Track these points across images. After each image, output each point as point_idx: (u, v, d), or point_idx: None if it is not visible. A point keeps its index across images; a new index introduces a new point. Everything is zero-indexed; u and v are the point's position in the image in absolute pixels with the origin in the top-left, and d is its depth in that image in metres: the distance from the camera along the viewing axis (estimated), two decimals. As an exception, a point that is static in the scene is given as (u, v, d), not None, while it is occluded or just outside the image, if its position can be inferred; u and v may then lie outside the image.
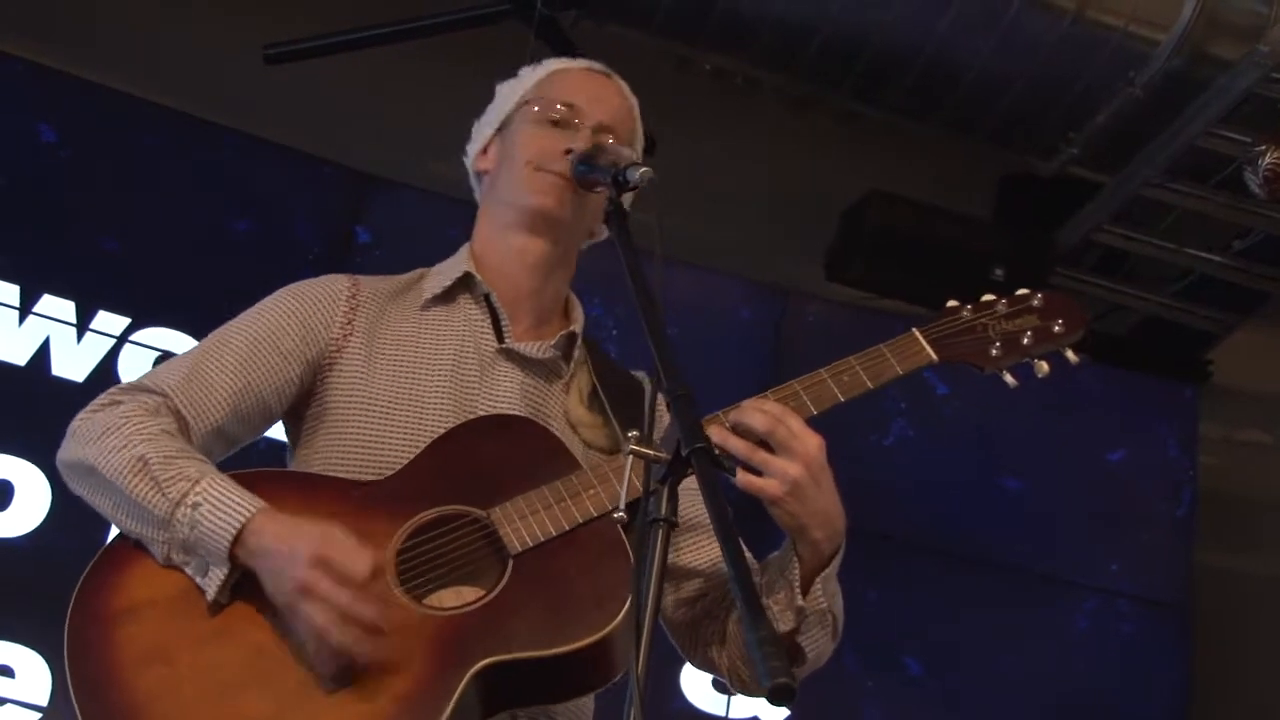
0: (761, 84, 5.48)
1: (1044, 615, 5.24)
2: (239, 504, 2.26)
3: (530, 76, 2.70)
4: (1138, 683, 5.21)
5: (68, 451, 2.41)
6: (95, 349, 4.63)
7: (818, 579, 2.33)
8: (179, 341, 4.64)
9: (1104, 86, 5.13)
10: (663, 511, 1.94)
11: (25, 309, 4.60)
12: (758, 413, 2.30)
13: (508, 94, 2.70)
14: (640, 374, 2.64)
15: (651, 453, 1.99)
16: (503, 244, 2.60)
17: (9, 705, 4.30)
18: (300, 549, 2.20)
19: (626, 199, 2.38)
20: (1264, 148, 5.04)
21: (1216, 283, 5.64)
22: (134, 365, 4.61)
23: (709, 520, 2.46)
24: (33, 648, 4.33)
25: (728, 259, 5.38)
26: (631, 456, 2.00)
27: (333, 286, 2.58)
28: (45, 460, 4.43)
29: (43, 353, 4.59)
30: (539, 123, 2.60)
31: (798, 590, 2.32)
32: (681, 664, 4.65)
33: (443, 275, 2.62)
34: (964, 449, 5.27)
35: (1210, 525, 5.44)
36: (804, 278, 5.60)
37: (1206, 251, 5.58)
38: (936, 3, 4.99)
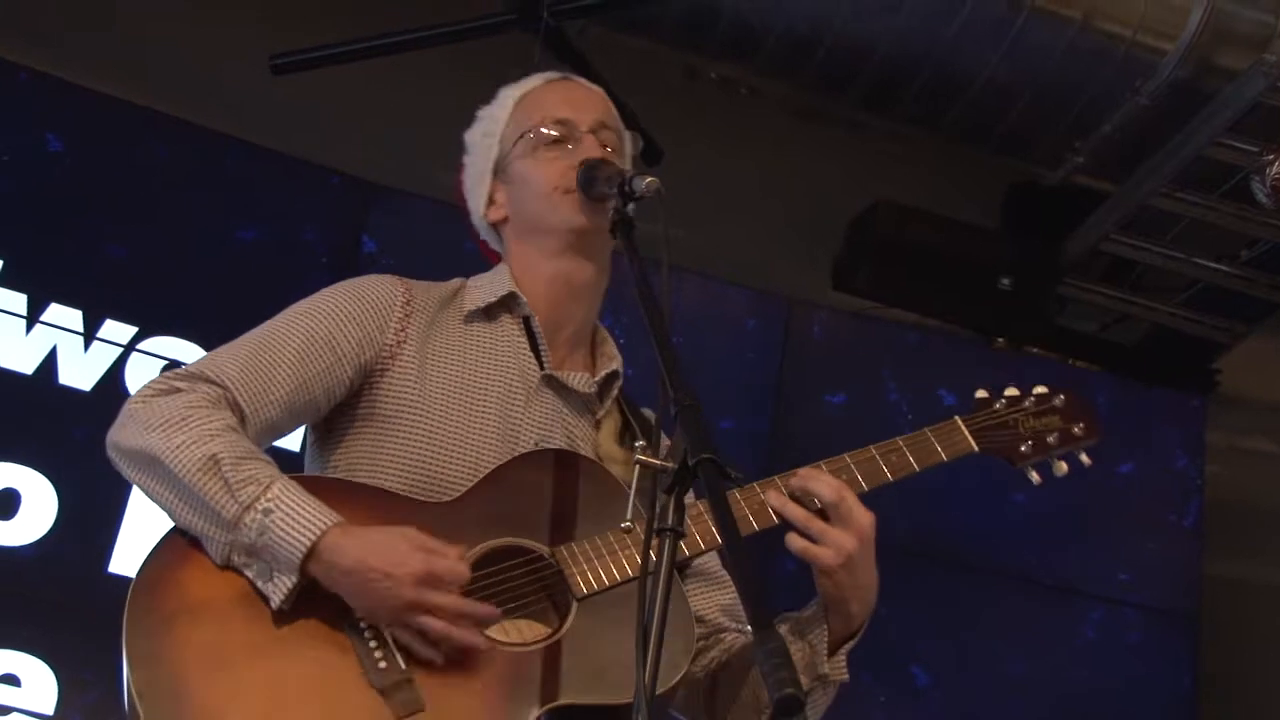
0: (768, 94, 5.47)
1: (1052, 625, 5.23)
2: (314, 516, 2.25)
3: (499, 114, 2.68)
4: (1145, 692, 5.20)
5: (127, 437, 2.36)
6: (102, 358, 4.63)
7: (842, 650, 2.39)
8: (186, 350, 4.64)
9: (1111, 96, 5.13)
10: (669, 522, 1.94)
11: (32, 318, 4.60)
12: (823, 484, 2.36)
13: (483, 140, 2.68)
14: (648, 411, 2.65)
15: (657, 462, 1.99)
16: (548, 270, 2.59)
17: (15, 714, 4.30)
18: (398, 569, 2.21)
19: (632, 209, 2.38)
20: (1271, 157, 5.03)
21: (1224, 292, 5.63)
22: (141, 374, 4.60)
23: (713, 568, 2.55)
24: (39, 656, 4.33)
25: (734, 268, 5.37)
26: (636, 468, 2.01)
27: (389, 290, 2.56)
28: (52, 469, 4.44)
29: (50, 361, 4.59)
30: (539, 149, 2.60)
31: (824, 656, 2.37)
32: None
33: (484, 290, 2.61)
34: (972, 459, 5.26)
35: (1217, 534, 5.43)
36: (810, 287, 5.60)
37: (1214, 261, 5.57)
38: (943, 13, 4.98)
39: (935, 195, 5.61)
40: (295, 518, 2.24)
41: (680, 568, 2.39)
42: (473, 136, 2.71)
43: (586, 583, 2.32)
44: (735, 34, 5.17)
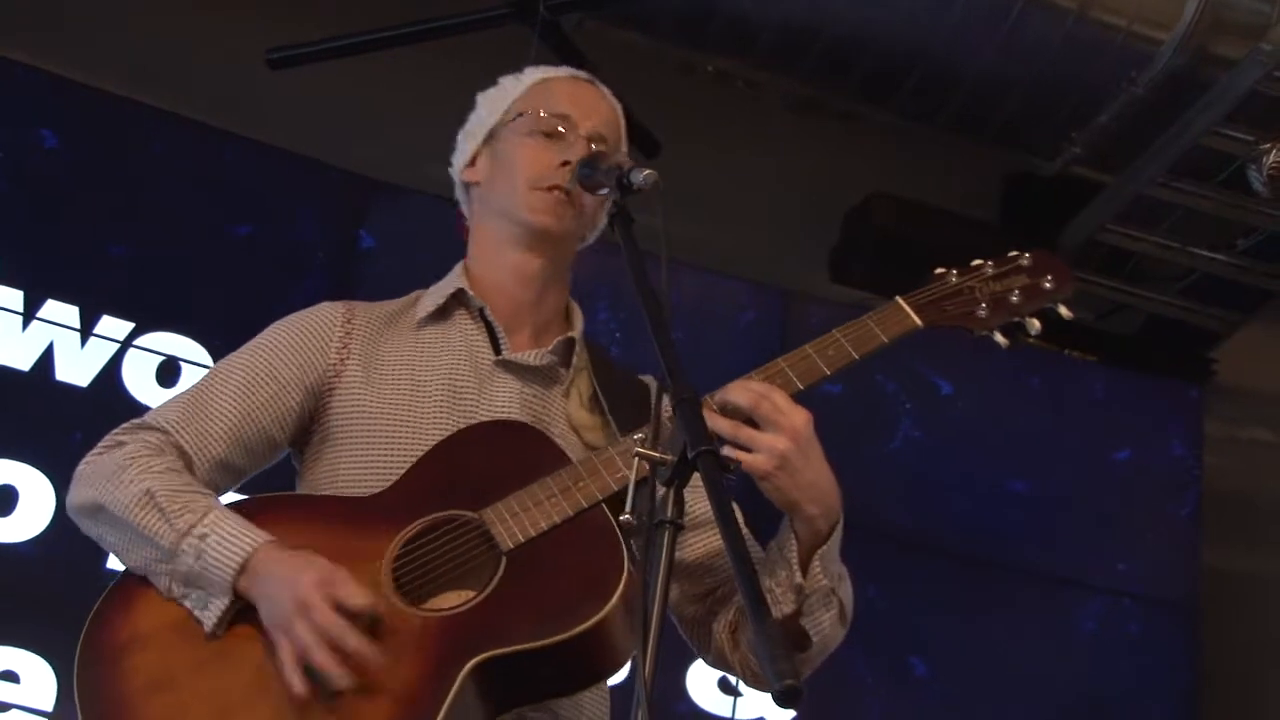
0: (764, 86, 5.48)
1: (1050, 616, 5.23)
2: (244, 535, 2.30)
3: (514, 87, 2.69)
4: (1145, 683, 5.20)
5: (75, 495, 2.45)
6: (99, 354, 4.62)
7: (815, 557, 2.33)
8: (183, 346, 4.63)
9: (1107, 86, 5.13)
10: (669, 514, 1.94)
11: (29, 314, 4.60)
12: (742, 390, 2.31)
13: (491, 104, 2.69)
14: (647, 378, 2.64)
15: (656, 455, 1.99)
16: (499, 259, 2.60)
17: (14, 711, 4.30)
18: (304, 573, 2.24)
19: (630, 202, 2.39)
20: (1267, 146, 5.04)
21: (1221, 282, 5.63)
22: (138, 370, 4.61)
23: (711, 515, 2.51)
24: (37, 653, 4.33)
25: (731, 261, 5.37)
26: (636, 459, 2.00)
27: (327, 314, 2.60)
28: (50, 466, 4.43)
29: (46, 358, 4.58)
30: (531, 135, 2.60)
31: (796, 569, 2.32)
32: (688, 665, 4.68)
33: (436, 294, 2.63)
34: (969, 450, 5.27)
35: (1215, 524, 5.43)
36: (808, 279, 5.60)
37: (1210, 250, 5.57)
38: (939, 4, 4.98)
39: (932, 187, 5.61)
40: (225, 539, 2.30)
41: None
42: (485, 96, 2.73)
43: (512, 536, 2.31)
44: (731, 27, 5.17)
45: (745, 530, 2.33)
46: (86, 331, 4.63)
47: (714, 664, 2.54)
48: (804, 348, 2.41)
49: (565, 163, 2.53)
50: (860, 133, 5.61)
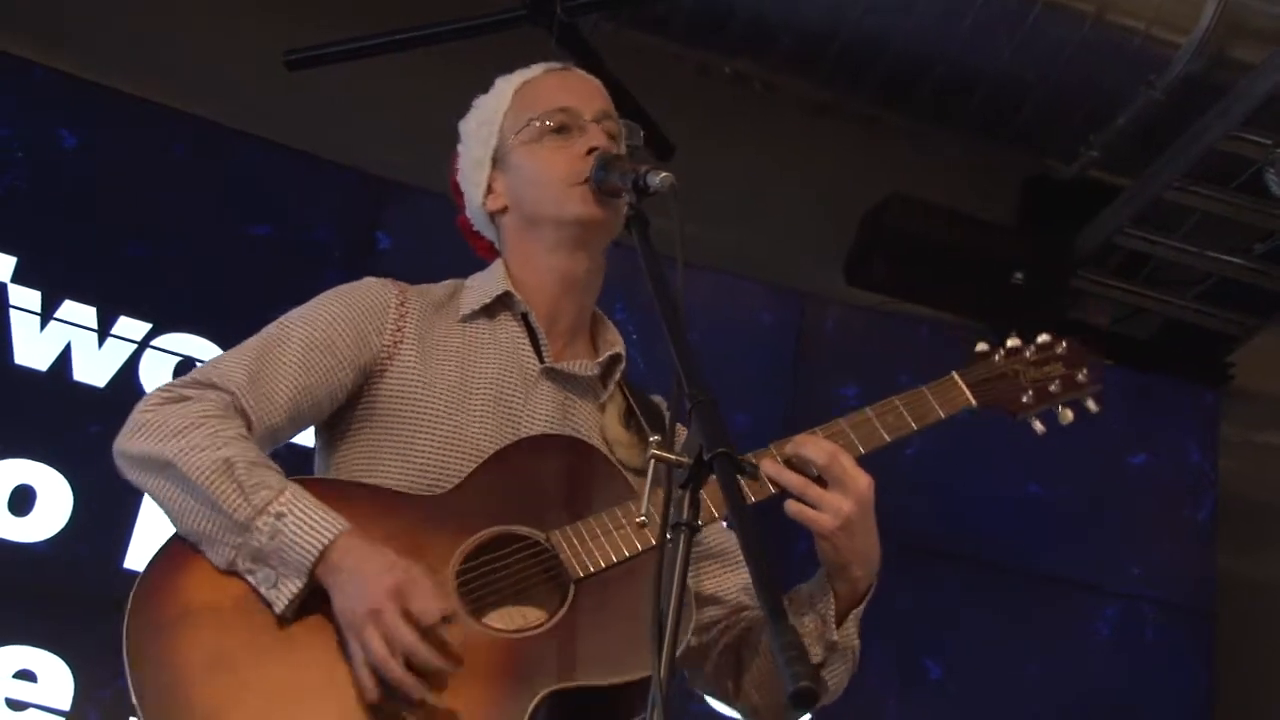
0: (781, 89, 5.47)
1: (1065, 620, 5.23)
2: (326, 520, 2.26)
3: (496, 103, 2.66)
4: (1160, 687, 5.19)
5: (137, 444, 2.36)
6: (116, 355, 4.64)
7: (850, 615, 2.38)
8: (200, 347, 4.65)
9: (1125, 90, 5.12)
10: (684, 516, 1.94)
11: (46, 315, 4.61)
12: (815, 448, 2.35)
13: (480, 129, 2.66)
14: (658, 398, 2.64)
15: (673, 457, 1.99)
16: (545, 264, 2.58)
17: (31, 710, 4.31)
18: (383, 577, 2.21)
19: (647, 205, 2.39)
20: (1286, 150, 5.03)
21: (1238, 286, 5.62)
22: (155, 371, 4.62)
23: (729, 548, 2.54)
24: (55, 652, 4.34)
25: (748, 264, 5.38)
26: (653, 462, 2.01)
27: (382, 292, 2.57)
28: (67, 465, 4.45)
29: (64, 358, 4.60)
30: (541, 140, 2.58)
31: (832, 625, 2.36)
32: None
33: (480, 291, 2.61)
34: (986, 455, 5.26)
35: (1231, 529, 5.42)
36: (824, 282, 5.59)
37: (1228, 254, 5.56)
38: (956, 7, 4.98)
39: (949, 189, 5.61)
40: (306, 521, 2.26)
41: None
42: (468, 125, 2.69)
43: (583, 564, 2.31)
44: (749, 29, 5.16)
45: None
46: (104, 332, 4.65)
47: (709, 694, 2.59)
48: (864, 411, 2.49)
49: (590, 149, 2.51)
50: (877, 135, 5.60)
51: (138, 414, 2.39)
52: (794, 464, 2.35)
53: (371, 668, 2.20)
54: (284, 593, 2.25)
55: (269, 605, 2.26)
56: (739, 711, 2.53)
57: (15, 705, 4.32)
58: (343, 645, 2.24)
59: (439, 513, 2.36)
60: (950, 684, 5.06)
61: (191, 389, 2.41)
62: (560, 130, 2.57)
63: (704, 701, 4.74)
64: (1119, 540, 5.30)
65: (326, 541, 2.24)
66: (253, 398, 2.41)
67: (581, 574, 2.31)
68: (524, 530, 2.35)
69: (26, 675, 4.35)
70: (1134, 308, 5.80)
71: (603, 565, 2.32)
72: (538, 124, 2.58)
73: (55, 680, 4.34)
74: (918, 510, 5.09)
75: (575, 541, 2.33)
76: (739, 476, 1.96)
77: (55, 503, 4.46)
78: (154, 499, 2.37)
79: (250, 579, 2.27)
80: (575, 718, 2.27)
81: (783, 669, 1.72)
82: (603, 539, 2.34)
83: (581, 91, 2.63)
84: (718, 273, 5.13)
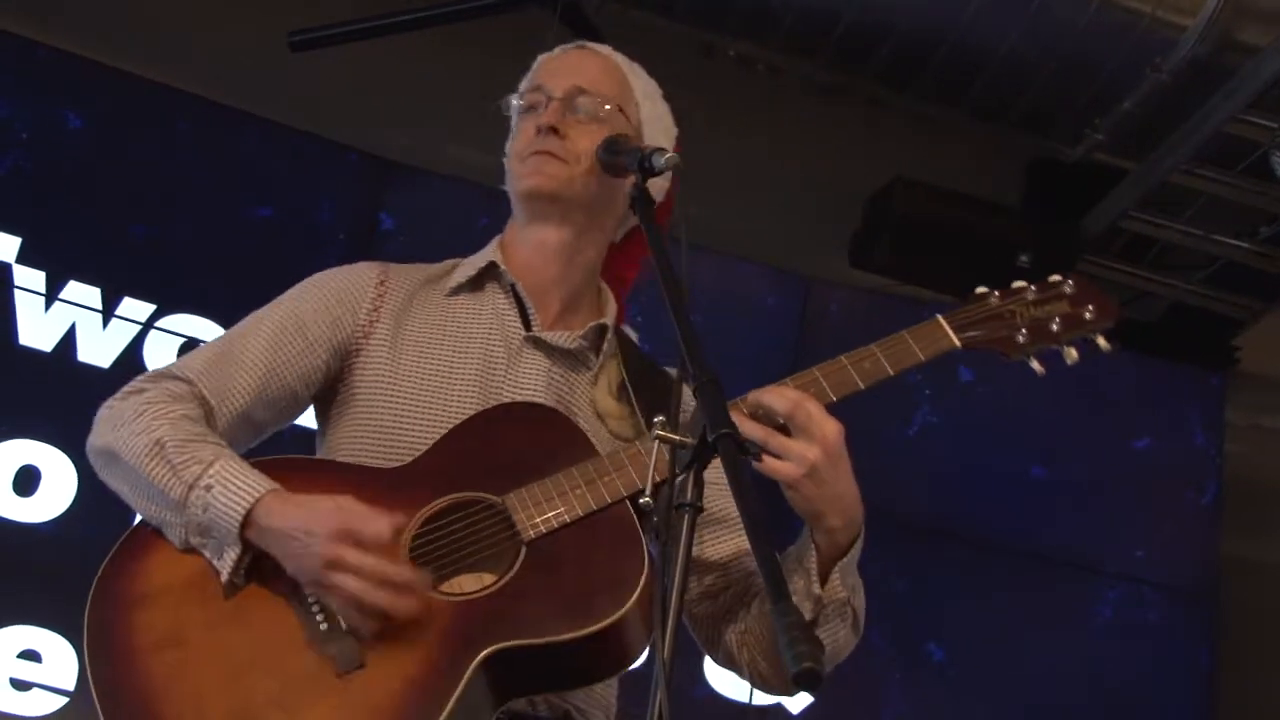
0: (786, 71, 5.46)
1: (1068, 602, 5.23)
2: (249, 484, 2.28)
3: (525, 80, 2.71)
4: (1163, 670, 5.20)
5: (92, 439, 2.44)
6: (121, 335, 4.65)
7: (835, 568, 2.32)
8: (204, 328, 4.66)
9: (1130, 72, 5.11)
10: (688, 497, 1.93)
11: (51, 295, 4.62)
12: (778, 396, 2.30)
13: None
14: (673, 370, 2.63)
15: (677, 438, 1.99)
16: (524, 236, 2.61)
17: (36, 689, 4.33)
18: (317, 526, 2.22)
19: (653, 185, 2.38)
20: (1291, 133, 5.02)
21: (1243, 269, 5.61)
22: (159, 351, 4.63)
23: (732, 514, 2.50)
24: (59, 632, 4.36)
25: (752, 246, 5.37)
26: (657, 442, 2.00)
27: (360, 274, 2.59)
28: (71, 446, 4.45)
29: (69, 339, 4.61)
30: (519, 117, 2.64)
31: (815, 579, 2.30)
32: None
33: (470, 265, 2.63)
34: (989, 436, 5.26)
35: (1235, 513, 5.42)
36: (828, 265, 5.59)
37: (1233, 238, 5.55)
38: (962, -12, 4.97)
39: (954, 172, 5.59)
40: (230, 489, 2.27)
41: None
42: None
43: (534, 525, 2.30)
44: (753, 11, 5.16)
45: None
46: (108, 313, 4.65)
47: (721, 663, 2.54)
48: (839, 358, 2.39)
49: (539, 129, 2.55)
50: (883, 118, 5.60)
51: (100, 410, 2.45)
52: (759, 414, 2.29)
53: (355, 606, 2.21)
54: (227, 561, 2.27)
55: (218, 575, 2.29)
56: (749, 681, 2.49)
57: (20, 685, 4.33)
58: (290, 610, 2.26)
59: (395, 482, 2.37)
60: (952, 666, 5.06)
61: (149, 381, 2.46)
62: (531, 109, 2.62)
63: (707, 685, 4.76)
64: (1122, 523, 5.30)
65: (249, 504, 2.26)
66: (210, 383, 2.44)
67: (533, 534, 2.29)
68: (480, 495, 2.34)
69: (31, 655, 4.36)
70: (1139, 291, 5.80)
71: (555, 525, 2.30)
72: (515, 103, 2.65)
73: (59, 660, 4.35)
74: (920, 492, 5.09)
75: (530, 504, 2.32)
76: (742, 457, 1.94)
77: (60, 483, 4.48)
78: (116, 492, 2.43)
79: (204, 552, 2.31)
80: (529, 678, 2.27)
81: (785, 650, 1.71)
82: (558, 499, 2.32)
83: (559, 70, 2.65)
84: (722, 255, 5.12)
